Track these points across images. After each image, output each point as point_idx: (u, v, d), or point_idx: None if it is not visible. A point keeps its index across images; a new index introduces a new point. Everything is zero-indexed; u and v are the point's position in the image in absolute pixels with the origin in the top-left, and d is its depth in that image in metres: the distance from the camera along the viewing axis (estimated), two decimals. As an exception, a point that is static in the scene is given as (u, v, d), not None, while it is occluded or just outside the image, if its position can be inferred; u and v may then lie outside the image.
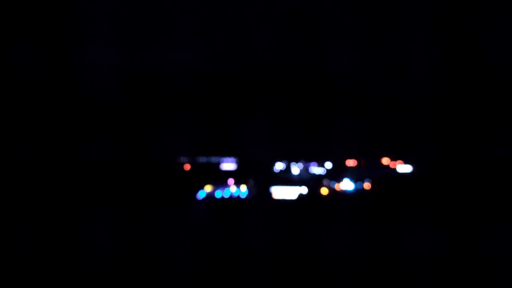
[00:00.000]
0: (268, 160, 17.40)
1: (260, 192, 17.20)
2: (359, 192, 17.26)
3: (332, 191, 17.26)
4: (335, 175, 17.35)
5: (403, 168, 17.30)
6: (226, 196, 17.17)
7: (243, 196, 17.19)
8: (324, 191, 17.24)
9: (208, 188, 17.13)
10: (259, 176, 17.33)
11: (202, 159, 17.38)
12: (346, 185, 17.29)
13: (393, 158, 17.33)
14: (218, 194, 17.15)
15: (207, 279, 12.55)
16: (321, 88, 16.52)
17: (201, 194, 17.01)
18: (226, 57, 16.62)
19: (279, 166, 17.50)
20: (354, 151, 17.07)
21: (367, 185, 17.25)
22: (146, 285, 12.40)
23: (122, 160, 16.32)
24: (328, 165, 17.47)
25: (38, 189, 15.67)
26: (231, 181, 17.30)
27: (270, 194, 17.23)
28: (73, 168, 16.08)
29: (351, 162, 17.37)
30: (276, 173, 17.46)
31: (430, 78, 16.11)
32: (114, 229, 14.41)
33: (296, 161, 17.50)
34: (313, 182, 17.34)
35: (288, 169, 17.51)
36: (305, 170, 17.51)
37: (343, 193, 17.27)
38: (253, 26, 16.36)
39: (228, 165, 17.45)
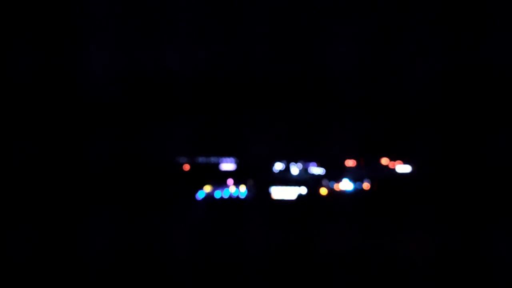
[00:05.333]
0: (267, 160, 17.39)
1: (259, 193, 17.19)
2: (358, 192, 17.25)
3: (331, 191, 17.25)
4: (335, 175, 17.34)
5: (402, 168, 17.30)
6: (226, 196, 17.16)
7: (242, 196, 17.19)
8: (323, 191, 17.23)
9: (207, 188, 17.12)
10: (258, 176, 17.32)
11: (201, 159, 17.38)
12: (345, 185, 17.28)
13: (392, 158, 17.34)
14: (218, 194, 17.14)
15: (207, 278, 12.55)
16: (321, 88, 16.53)
17: (200, 195, 17.00)
18: (226, 58, 16.64)
19: (278, 166, 17.49)
20: (353, 151, 17.08)
21: (366, 185, 17.25)
22: (145, 285, 12.40)
23: (122, 160, 16.32)
24: (328, 165, 17.46)
25: (39, 189, 15.67)
26: (230, 181, 17.30)
27: (269, 194, 17.22)
28: (74, 168, 16.08)
29: (350, 162, 17.37)
30: (275, 173, 17.45)
31: (430, 78, 16.13)
32: (114, 229, 14.41)
33: (296, 161, 17.49)
34: (312, 182, 17.33)
35: (287, 169, 17.50)
36: (304, 170, 17.49)
37: (342, 193, 17.27)
38: (252, 28, 16.38)
39: (228, 165, 17.44)
